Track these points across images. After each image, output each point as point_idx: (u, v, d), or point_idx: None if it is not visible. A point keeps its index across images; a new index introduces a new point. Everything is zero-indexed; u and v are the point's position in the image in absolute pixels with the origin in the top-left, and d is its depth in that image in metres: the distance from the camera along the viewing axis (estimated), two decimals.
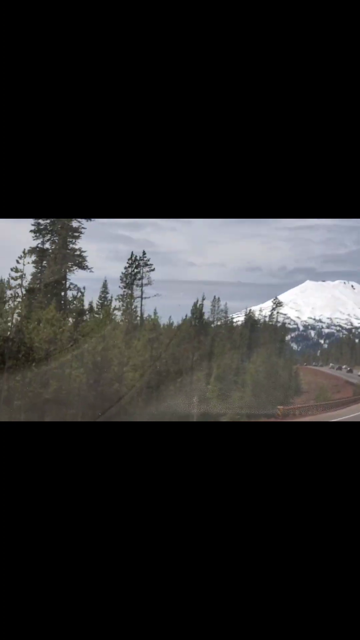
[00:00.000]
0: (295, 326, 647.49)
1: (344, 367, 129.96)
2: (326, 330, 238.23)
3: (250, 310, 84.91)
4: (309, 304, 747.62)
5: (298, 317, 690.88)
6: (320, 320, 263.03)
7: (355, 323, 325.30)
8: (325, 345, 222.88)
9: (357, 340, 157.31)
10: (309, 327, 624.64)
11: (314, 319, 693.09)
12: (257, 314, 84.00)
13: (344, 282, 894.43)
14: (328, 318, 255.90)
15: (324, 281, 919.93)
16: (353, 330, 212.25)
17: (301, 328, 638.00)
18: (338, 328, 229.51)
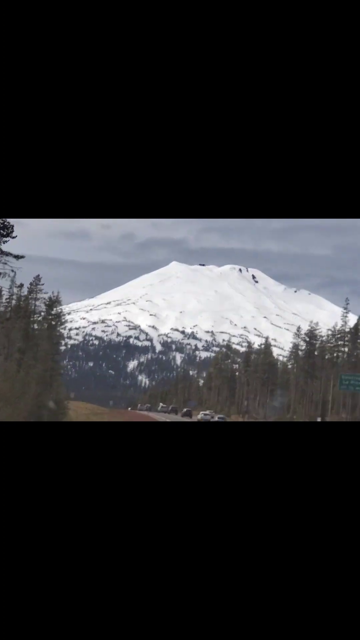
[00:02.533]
0: (147, 343, 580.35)
1: (170, 407, 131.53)
2: (203, 355, 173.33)
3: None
4: (173, 305, 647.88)
5: (153, 327, 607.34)
6: (194, 335, 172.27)
7: (256, 341, 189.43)
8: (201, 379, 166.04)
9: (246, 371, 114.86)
10: (172, 347, 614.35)
11: (183, 332, 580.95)
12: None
13: (239, 269, 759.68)
14: (208, 331, 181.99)
15: (203, 265, 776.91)
16: (251, 354, 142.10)
17: (158, 347, 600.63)
18: (223, 349, 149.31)
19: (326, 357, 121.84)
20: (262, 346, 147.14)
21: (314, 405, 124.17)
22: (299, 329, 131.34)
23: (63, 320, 68.49)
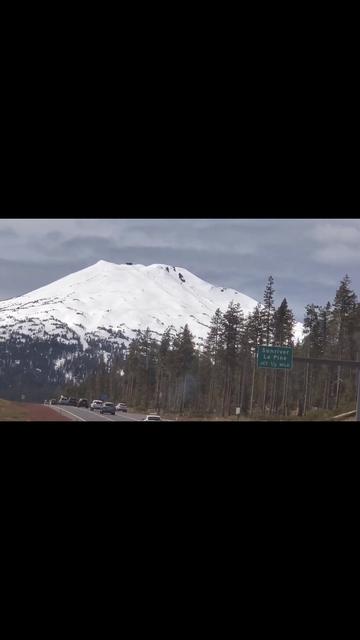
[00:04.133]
0: (74, 342, 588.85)
1: (78, 399, 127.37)
2: (129, 353, 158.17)
3: None
4: (100, 304, 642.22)
5: (80, 326, 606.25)
6: (120, 334, 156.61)
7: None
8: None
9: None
10: (99, 345, 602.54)
11: (110, 331, 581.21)
12: None
13: (166, 268, 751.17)
14: (135, 330, 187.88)
15: (130, 264, 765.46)
16: (168, 343, 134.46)
17: (85, 346, 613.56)
18: (148, 348, 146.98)
19: (249, 341, 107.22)
20: (181, 335, 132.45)
21: (236, 397, 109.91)
22: (218, 312, 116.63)
23: None
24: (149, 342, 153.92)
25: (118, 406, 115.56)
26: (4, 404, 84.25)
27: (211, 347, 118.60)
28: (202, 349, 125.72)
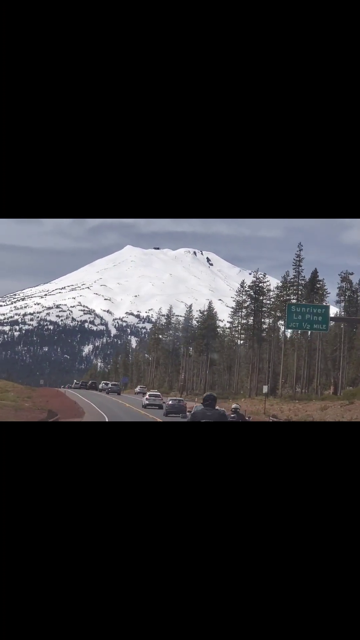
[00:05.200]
0: (102, 328, 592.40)
1: (89, 382, 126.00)
2: (162, 339, 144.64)
3: None
4: (128, 289, 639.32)
5: (108, 312, 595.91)
6: (149, 319, 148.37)
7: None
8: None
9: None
10: (127, 330, 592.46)
11: (138, 316, 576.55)
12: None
13: (193, 252, 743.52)
14: (163, 315, 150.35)
15: (157, 248, 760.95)
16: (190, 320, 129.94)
17: (113, 331, 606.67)
18: (176, 333, 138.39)
19: (277, 313, 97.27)
20: (205, 312, 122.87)
21: (264, 377, 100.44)
22: (242, 283, 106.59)
23: None
24: (172, 322, 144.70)
25: (137, 389, 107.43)
26: (15, 387, 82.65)
27: (236, 322, 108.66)
28: (226, 324, 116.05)
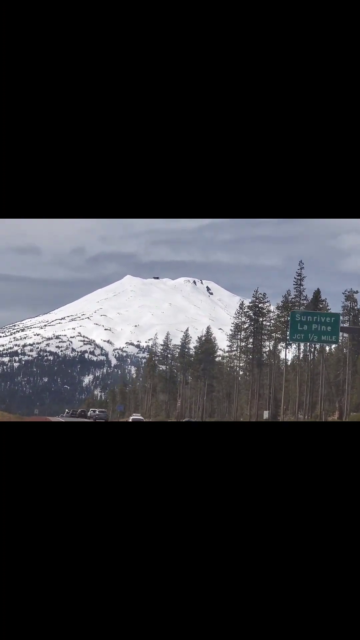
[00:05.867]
0: (102, 358, 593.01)
1: (80, 410, 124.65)
2: (160, 368, 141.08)
3: None
4: (128, 319, 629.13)
5: (108, 342, 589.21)
6: (148, 349, 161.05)
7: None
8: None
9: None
10: (128, 360, 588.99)
11: (138, 346, 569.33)
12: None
13: (193, 282, 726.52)
14: (163, 345, 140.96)
15: (157, 278, 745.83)
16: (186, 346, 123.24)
17: (113, 362, 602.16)
18: (173, 361, 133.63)
19: (277, 334, 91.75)
20: (203, 338, 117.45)
21: (264, 403, 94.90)
22: (241, 304, 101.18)
23: None
24: (170, 348, 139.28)
25: (132, 418, 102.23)
26: (4, 416, 79.01)
27: (235, 345, 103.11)
28: (225, 347, 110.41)
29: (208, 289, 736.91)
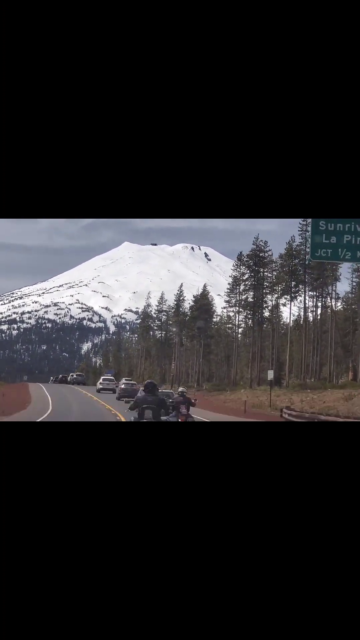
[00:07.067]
0: (100, 325, 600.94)
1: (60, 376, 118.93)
2: (157, 334, 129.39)
3: None
4: (126, 286, 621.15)
5: (107, 309, 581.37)
6: (144, 312, 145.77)
7: None
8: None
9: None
10: (127, 327, 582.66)
11: (136, 313, 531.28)
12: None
13: (191, 248, 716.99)
14: (161, 311, 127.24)
15: (155, 244, 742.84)
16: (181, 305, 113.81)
17: (112, 328, 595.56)
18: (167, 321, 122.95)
19: (279, 287, 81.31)
20: (198, 296, 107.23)
21: (266, 365, 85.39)
22: (240, 254, 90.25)
23: None
24: (164, 309, 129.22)
25: (122, 382, 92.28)
26: None
27: (233, 300, 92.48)
28: (222, 303, 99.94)
29: (206, 255, 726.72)
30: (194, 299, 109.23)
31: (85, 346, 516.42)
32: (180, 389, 25.18)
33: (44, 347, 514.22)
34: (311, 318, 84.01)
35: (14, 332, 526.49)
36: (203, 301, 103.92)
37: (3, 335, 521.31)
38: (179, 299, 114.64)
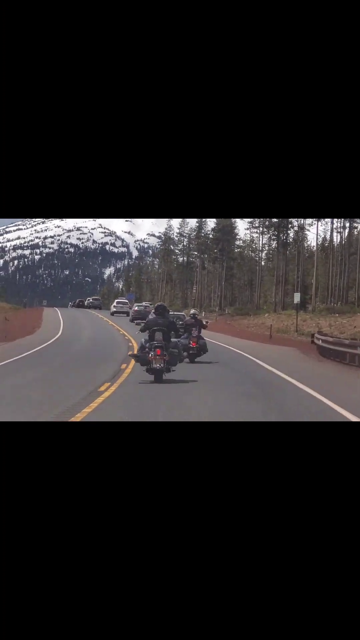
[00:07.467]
0: (123, 250, 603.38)
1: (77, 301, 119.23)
2: (180, 259, 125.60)
3: None
4: None
5: (129, 233, 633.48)
6: (165, 235, 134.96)
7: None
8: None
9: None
10: (149, 252, 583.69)
11: (160, 237, 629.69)
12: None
13: None
14: (184, 234, 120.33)
15: None
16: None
17: (135, 253, 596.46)
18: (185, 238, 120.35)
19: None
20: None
21: (290, 288, 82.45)
22: None
23: None
24: (186, 232, 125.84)
25: (135, 307, 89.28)
26: (4, 307, 78.27)
27: (257, 222, 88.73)
28: (245, 224, 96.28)
29: None
30: (215, 222, 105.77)
31: (108, 271, 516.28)
32: (192, 311, 24.72)
33: (67, 272, 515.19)
34: (338, 240, 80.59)
35: (37, 257, 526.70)
36: (225, 222, 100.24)
37: (25, 260, 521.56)
38: (201, 221, 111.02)
